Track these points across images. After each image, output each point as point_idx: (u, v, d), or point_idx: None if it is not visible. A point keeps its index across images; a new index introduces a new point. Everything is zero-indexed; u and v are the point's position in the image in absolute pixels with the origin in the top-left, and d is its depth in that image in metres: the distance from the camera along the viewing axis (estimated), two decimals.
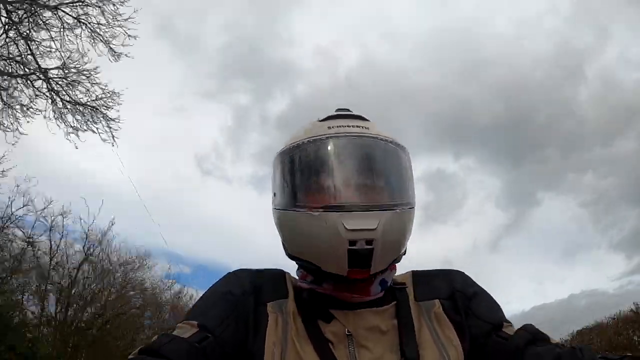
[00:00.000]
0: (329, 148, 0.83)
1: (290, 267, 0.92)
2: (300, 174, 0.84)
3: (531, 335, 0.78)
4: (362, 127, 0.85)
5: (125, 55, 8.88)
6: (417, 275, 0.93)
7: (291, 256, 0.88)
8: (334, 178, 0.80)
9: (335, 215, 0.76)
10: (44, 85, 8.71)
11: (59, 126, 8.87)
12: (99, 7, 8.54)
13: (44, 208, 13.22)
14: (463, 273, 0.94)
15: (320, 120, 0.88)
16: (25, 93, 8.63)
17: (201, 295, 0.86)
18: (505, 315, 0.88)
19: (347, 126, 0.85)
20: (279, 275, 0.90)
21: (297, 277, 0.91)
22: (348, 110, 0.91)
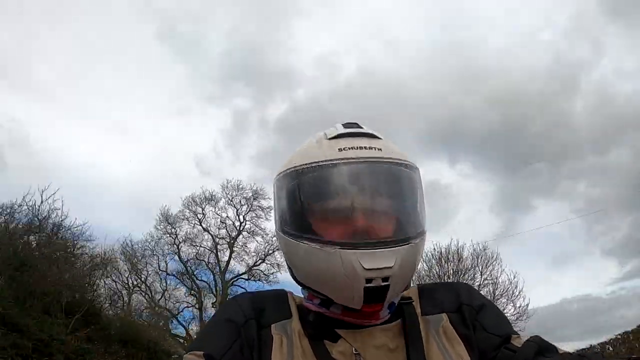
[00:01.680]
0: (342, 175, 0.78)
1: (292, 285, 0.90)
2: (310, 201, 0.80)
3: (539, 346, 0.77)
4: (375, 148, 0.80)
5: None
6: (422, 290, 0.91)
7: (299, 282, 0.85)
8: (347, 209, 0.76)
9: (352, 253, 0.73)
10: None
11: None
12: None
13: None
14: (469, 285, 0.93)
15: (329, 139, 0.82)
16: None
17: (205, 324, 0.84)
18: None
19: (360, 148, 0.79)
20: (281, 295, 0.88)
21: (301, 296, 0.89)
22: (357, 125, 0.85)
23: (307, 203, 0.80)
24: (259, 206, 20.08)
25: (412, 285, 0.92)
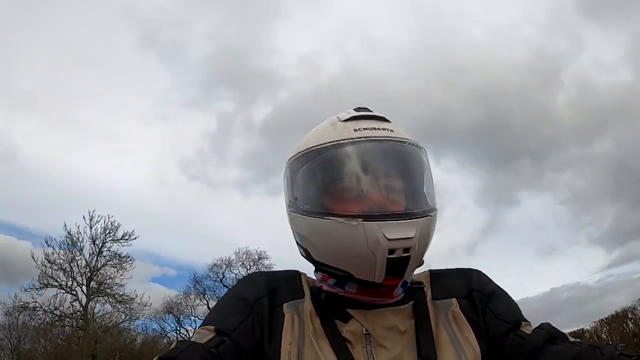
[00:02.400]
0: (362, 152, 0.81)
1: (304, 267, 0.91)
2: (331, 178, 0.81)
3: (549, 334, 0.78)
4: (388, 129, 0.84)
5: None
6: (434, 274, 0.92)
7: (316, 262, 0.86)
8: (369, 184, 0.79)
9: (375, 224, 0.75)
10: None
11: None
12: None
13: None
14: (480, 272, 0.94)
15: (343, 121, 0.86)
16: None
17: (219, 301, 0.86)
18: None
19: (373, 129, 0.83)
20: (294, 275, 0.89)
21: (313, 277, 0.90)
22: (368, 109, 0.89)
23: (328, 181, 0.82)
24: (262, 264, 23.18)
25: (422, 269, 0.93)
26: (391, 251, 0.75)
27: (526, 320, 0.84)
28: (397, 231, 0.75)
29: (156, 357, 0.70)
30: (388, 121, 0.87)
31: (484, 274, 0.93)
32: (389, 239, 0.74)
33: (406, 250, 0.75)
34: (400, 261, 0.76)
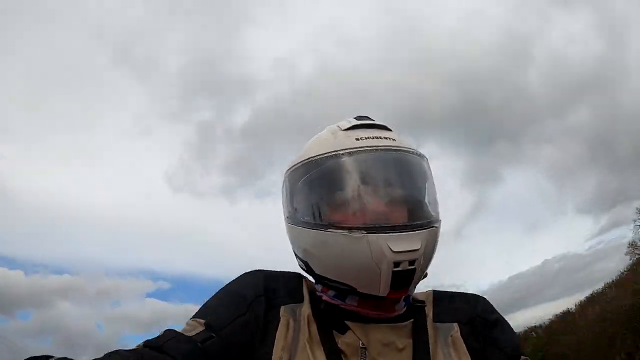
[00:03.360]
0: (365, 162, 0.78)
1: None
2: (333, 189, 0.78)
3: None
4: (390, 138, 0.82)
5: None
6: (437, 295, 0.90)
7: (318, 276, 0.83)
8: (372, 195, 0.77)
9: (380, 236, 0.72)
10: None
11: None
12: None
13: None
14: (485, 299, 0.92)
15: (343, 130, 0.84)
16: None
17: (216, 292, 0.83)
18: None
19: (375, 137, 0.81)
20: (295, 278, 0.87)
21: (314, 281, 0.87)
22: (368, 117, 0.87)
23: (328, 192, 0.79)
24: None
25: (425, 288, 0.91)
26: (396, 264, 0.72)
27: (525, 355, 0.83)
28: (403, 243, 0.73)
29: (142, 342, 0.70)
30: (389, 130, 0.85)
31: (488, 301, 0.91)
32: (394, 252, 0.72)
33: (412, 262, 0.73)
34: (406, 274, 0.74)
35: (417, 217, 0.78)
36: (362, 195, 0.77)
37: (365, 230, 0.73)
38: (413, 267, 0.74)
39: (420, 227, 0.76)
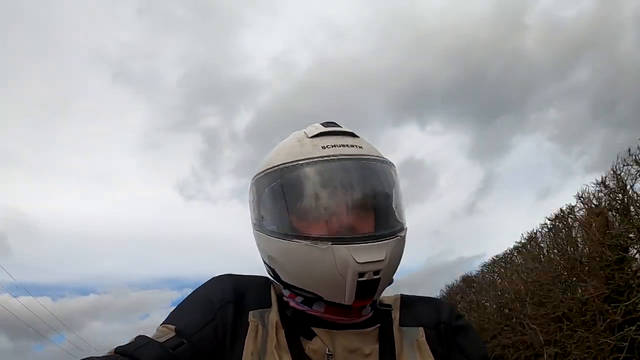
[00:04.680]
0: (330, 172, 0.78)
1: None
2: (298, 198, 0.78)
3: None
4: (356, 146, 0.82)
5: None
6: (405, 300, 0.92)
7: (285, 284, 0.83)
8: (337, 205, 0.77)
9: (344, 247, 0.73)
10: None
11: None
12: None
13: None
14: (451, 305, 0.94)
15: (310, 137, 0.83)
16: None
17: (184, 299, 0.83)
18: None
19: (342, 145, 0.81)
20: (263, 283, 0.87)
21: (281, 289, 0.88)
22: (336, 124, 0.86)
23: (293, 201, 0.79)
24: None
25: (393, 293, 0.93)
26: (361, 274, 0.73)
27: (489, 359, 0.85)
28: (367, 254, 0.73)
29: (113, 348, 0.69)
30: (357, 136, 0.85)
31: (454, 307, 0.93)
32: (359, 263, 0.73)
33: (376, 272, 0.74)
34: (370, 283, 0.75)
35: (383, 226, 0.79)
36: (327, 205, 0.77)
37: (330, 241, 0.74)
38: (378, 276, 0.75)
39: (386, 237, 0.77)
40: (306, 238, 0.75)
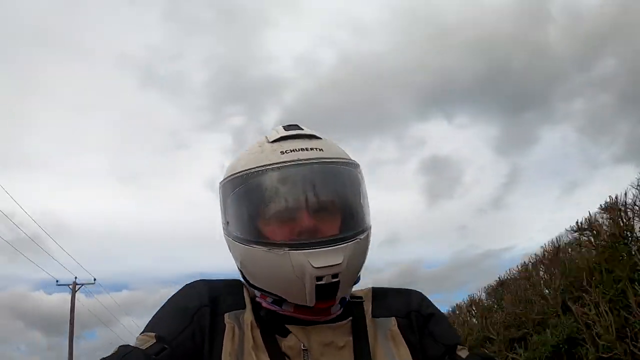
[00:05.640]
0: (287, 178, 0.79)
1: None
2: (257, 205, 0.80)
3: (482, 359, 0.81)
4: (317, 148, 0.82)
5: None
6: (376, 292, 0.93)
7: (253, 286, 0.85)
8: (294, 210, 0.78)
9: (301, 253, 0.75)
10: None
11: None
12: None
13: None
14: (421, 294, 0.95)
15: (270, 142, 0.84)
16: None
17: (159, 309, 0.84)
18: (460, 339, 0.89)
19: (301, 149, 0.81)
20: (236, 285, 0.89)
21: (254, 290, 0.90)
22: (297, 126, 0.86)
23: (253, 208, 0.81)
24: None
25: (365, 285, 0.94)
26: (319, 278, 0.75)
27: (462, 345, 0.87)
28: (324, 259, 0.75)
29: None
30: (319, 138, 0.85)
31: (424, 295, 0.95)
32: (315, 267, 0.74)
33: (335, 275, 0.75)
34: (330, 286, 0.76)
35: (341, 230, 0.80)
36: (286, 210, 0.78)
37: (286, 247, 0.75)
38: (337, 279, 0.76)
39: (343, 240, 0.78)
40: (265, 244, 0.78)
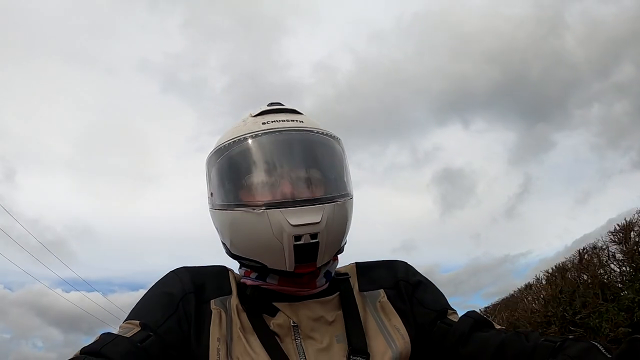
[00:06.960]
0: (266, 144, 0.81)
1: (233, 264, 0.91)
2: (238, 171, 0.82)
3: (475, 321, 0.80)
4: (296, 120, 0.85)
5: None
6: (360, 267, 0.93)
7: (234, 256, 0.86)
8: (273, 174, 0.80)
9: (278, 211, 0.75)
10: None
11: None
12: None
13: None
14: (406, 263, 0.95)
15: (253, 116, 0.87)
16: None
17: (143, 294, 0.83)
18: (448, 302, 0.89)
19: (282, 121, 0.84)
20: (221, 271, 0.88)
21: (239, 274, 0.89)
22: (280, 104, 0.90)
23: (234, 174, 0.83)
24: None
25: (348, 262, 0.94)
26: (297, 237, 0.75)
27: (452, 309, 0.87)
28: (301, 217, 0.75)
29: (79, 350, 0.69)
30: (300, 113, 0.88)
31: (409, 264, 0.95)
32: (293, 225, 0.74)
33: (314, 236, 0.76)
34: (309, 247, 0.76)
35: (319, 192, 0.80)
36: (265, 175, 0.80)
37: (265, 207, 0.76)
38: (316, 240, 0.76)
39: (321, 201, 0.78)
40: (245, 205, 0.79)
